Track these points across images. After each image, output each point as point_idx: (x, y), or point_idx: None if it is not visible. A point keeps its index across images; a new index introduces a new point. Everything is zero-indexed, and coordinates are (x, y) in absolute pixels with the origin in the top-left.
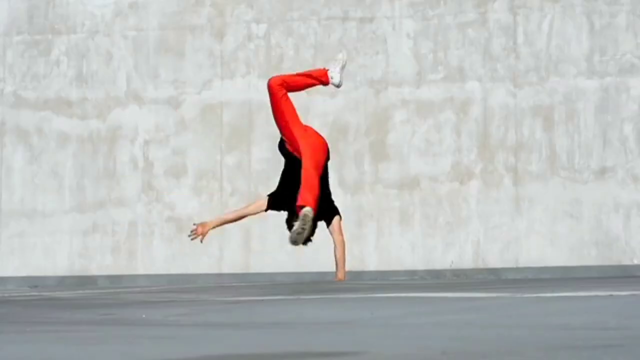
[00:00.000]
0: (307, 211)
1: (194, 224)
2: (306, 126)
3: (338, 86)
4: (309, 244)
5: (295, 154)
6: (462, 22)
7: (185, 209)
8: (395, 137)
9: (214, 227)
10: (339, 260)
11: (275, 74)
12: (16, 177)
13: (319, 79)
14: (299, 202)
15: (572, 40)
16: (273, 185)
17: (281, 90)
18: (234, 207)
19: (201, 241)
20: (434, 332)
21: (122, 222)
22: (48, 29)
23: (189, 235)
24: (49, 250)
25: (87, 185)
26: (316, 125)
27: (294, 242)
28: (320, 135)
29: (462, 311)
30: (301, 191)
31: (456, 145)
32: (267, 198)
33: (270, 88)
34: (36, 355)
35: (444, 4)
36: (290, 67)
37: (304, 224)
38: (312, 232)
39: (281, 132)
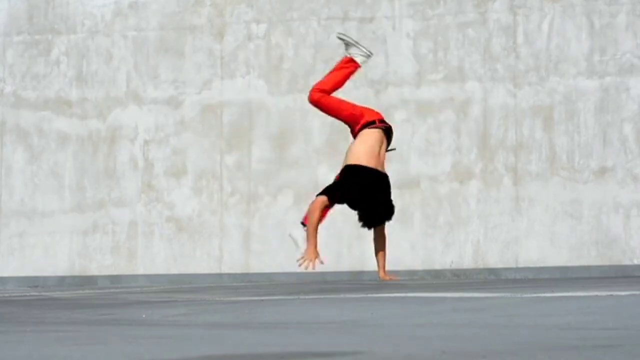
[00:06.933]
0: None
1: (300, 260)
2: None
3: (368, 57)
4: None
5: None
6: (462, 22)
7: (185, 209)
8: (395, 137)
9: (315, 246)
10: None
11: (275, 74)
12: (16, 177)
13: (348, 64)
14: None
15: (572, 40)
16: (273, 185)
17: (323, 97)
18: (233, 207)
19: (321, 262)
20: (434, 332)
21: (122, 222)
22: (48, 29)
23: (302, 265)
24: (49, 250)
25: (87, 185)
26: (316, 126)
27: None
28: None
29: (462, 311)
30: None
31: (456, 145)
32: (323, 197)
33: (313, 103)
34: (36, 355)
35: (444, 4)
36: (290, 67)
37: None
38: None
39: (348, 123)
